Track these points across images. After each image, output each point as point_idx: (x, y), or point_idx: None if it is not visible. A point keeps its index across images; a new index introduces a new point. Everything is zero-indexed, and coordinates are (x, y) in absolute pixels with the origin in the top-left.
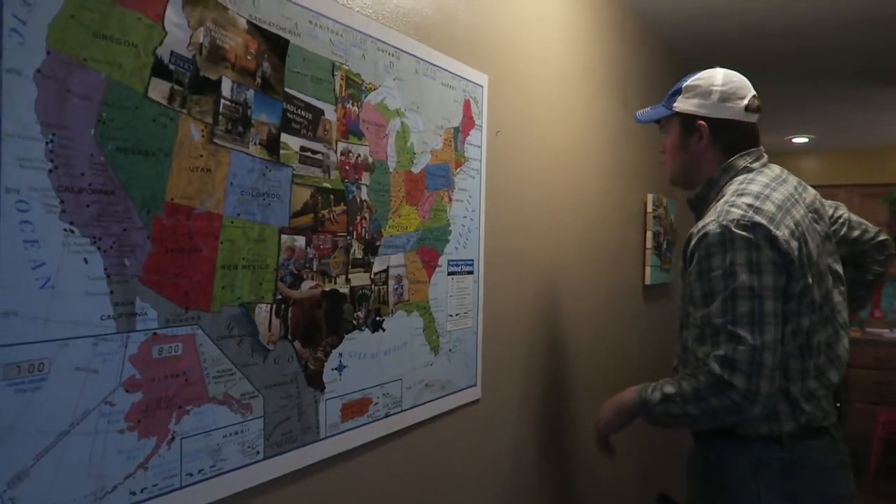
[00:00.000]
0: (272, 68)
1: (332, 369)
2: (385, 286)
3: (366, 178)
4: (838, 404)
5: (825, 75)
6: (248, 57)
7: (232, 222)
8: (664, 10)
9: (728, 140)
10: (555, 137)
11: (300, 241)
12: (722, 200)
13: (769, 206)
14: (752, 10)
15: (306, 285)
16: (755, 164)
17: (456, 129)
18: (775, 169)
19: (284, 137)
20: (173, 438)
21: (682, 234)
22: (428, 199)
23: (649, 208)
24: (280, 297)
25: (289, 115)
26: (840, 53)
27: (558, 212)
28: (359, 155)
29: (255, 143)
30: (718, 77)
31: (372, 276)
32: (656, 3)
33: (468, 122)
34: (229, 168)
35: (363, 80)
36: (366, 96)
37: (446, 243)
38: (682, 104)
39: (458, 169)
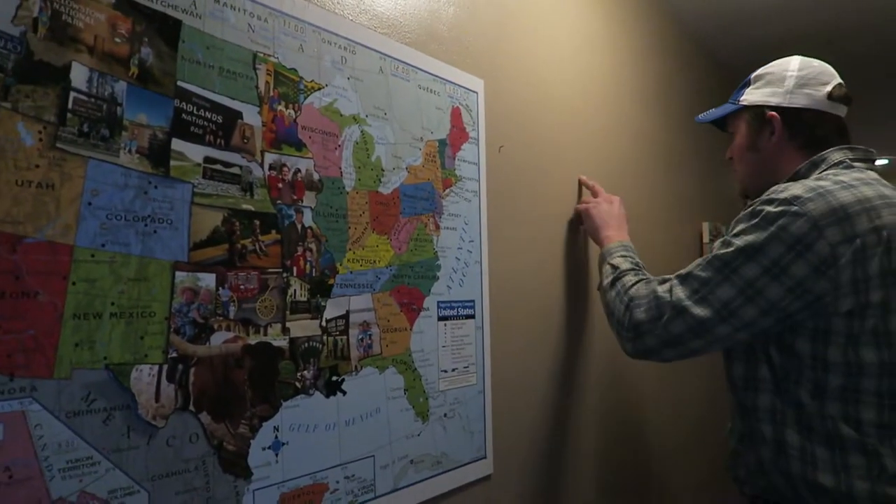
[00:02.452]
0: (156, 55)
1: (264, 448)
2: (344, 336)
3: (309, 199)
4: None
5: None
6: (117, 39)
7: (92, 255)
8: (703, 15)
9: (808, 134)
10: (578, 157)
11: (207, 279)
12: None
13: (842, 198)
14: (798, 13)
15: (218, 338)
16: (857, 164)
17: (442, 142)
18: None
19: (178, 145)
20: None
21: None
22: (405, 226)
23: (705, 238)
24: (175, 354)
25: (185, 116)
26: None
27: (590, 244)
28: (298, 170)
29: (128, 151)
30: (794, 62)
31: (324, 323)
32: (694, 7)
33: (458, 133)
34: (85, 183)
35: (301, 77)
36: (306, 97)
37: (434, 281)
38: (751, 95)
39: (448, 190)
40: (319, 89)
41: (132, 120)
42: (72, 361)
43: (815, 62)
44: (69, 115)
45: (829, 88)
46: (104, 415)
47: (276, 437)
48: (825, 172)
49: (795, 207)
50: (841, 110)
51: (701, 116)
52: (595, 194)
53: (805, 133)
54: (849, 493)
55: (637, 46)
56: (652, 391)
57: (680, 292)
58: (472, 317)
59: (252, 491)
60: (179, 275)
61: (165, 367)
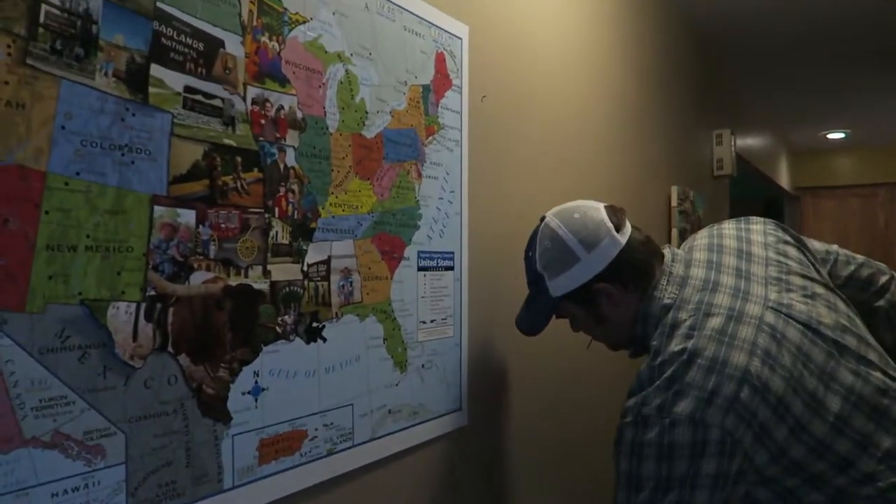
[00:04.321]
0: None
1: (244, 393)
2: (326, 282)
3: (293, 137)
4: None
5: (863, 59)
6: None
7: (66, 183)
8: None
9: (632, 272)
10: (558, 114)
11: (187, 216)
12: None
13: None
14: None
15: (198, 277)
16: (676, 268)
17: (426, 88)
18: (700, 252)
19: (157, 70)
20: None
21: None
22: (387, 172)
23: (674, 202)
24: (154, 292)
25: (164, 40)
26: (880, 33)
27: (564, 199)
28: (281, 106)
29: (104, 74)
30: (559, 232)
31: (305, 268)
32: None
33: (442, 80)
34: (58, 104)
35: (285, 9)
36: (290, 30)
37: (415, 230)
38: (559, 285)
39: (430, 138)
40: (304, 23)
41: (108, 40)
42: (45, 295)
43: (573, 221)
44: (40, 29)
45: (607, 231)
46: (79, 352)
47: (256, 382)
48: (665, 293)
49: (667, 419)
50: (627, 231)
51: (525, 326)
52: None
53: (628, 274)
54: None
55: (615, 4)
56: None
57: None
58: (452, 268)
59: (231, 436)
60: (158, 209)
61: (143, 305)
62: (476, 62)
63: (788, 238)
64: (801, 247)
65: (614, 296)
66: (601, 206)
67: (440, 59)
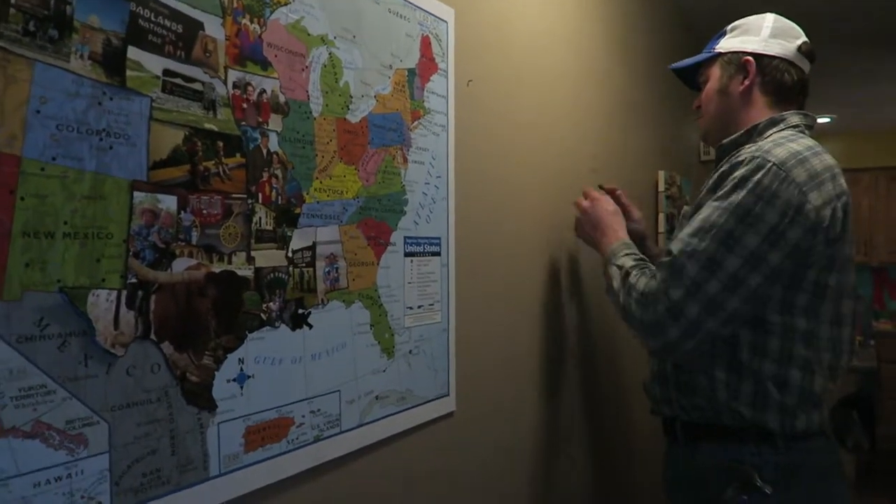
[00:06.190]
0: None
1: (229, 381)
2: (311, 268)
3: (275, 122)
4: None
5: (848, 42)
6: None
7: (42, 169)
8: None
9: (777, 84)
10: (544, 98)
11: (167, 201)
12: (768, 140)
13: (815, 165)
14: None
15: (180, 264)
16: (807, 130)
17: (411, 72)
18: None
19: (134, 53)
20: None
21: None
22: (372, 157)
23: (661, 187)
24: (135, 280)
25: (142, 22)
26: (865, 18)
27: (551, 185)
28: (263, 90)
29: (80, 56)
30: (769, 17)
31: (290, 254)
32: None
33: (428, 64)
34: (31, 88)
35: None
36: (272, 12)
37: (401, 215)
38: (727, 43)
39: (416, 122)
40: (286, 4)
41: (83, 22)
42: (22, 282)
43: (786, 20)
44: (12, 10)
45: (798, 42)
46: (59, 340)
47: (242, 369)
48: (784, 133)
49: (783, 173)
50: (806, 65)
51: (675, 64)
52: (585, 196)
53: (775, 81)
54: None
55: None
56: (614, 328)
57: (690, 270)
58: (438, 254)
59: (217, 424)
60: (138, 195)
61: (125, 292)
62: (462, 46)
63: None
64: None
65: (750, 78)
66: (805, 38)
67: (426, 43)
